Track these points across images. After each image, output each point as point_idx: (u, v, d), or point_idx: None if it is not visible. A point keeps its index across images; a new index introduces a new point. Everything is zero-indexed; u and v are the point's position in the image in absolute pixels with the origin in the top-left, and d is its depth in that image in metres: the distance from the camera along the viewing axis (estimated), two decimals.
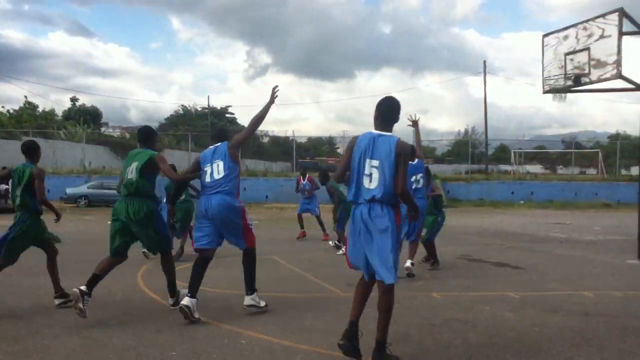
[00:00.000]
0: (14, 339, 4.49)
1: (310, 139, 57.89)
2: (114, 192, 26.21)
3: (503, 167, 48.20)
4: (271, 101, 5.42)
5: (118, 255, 5.41)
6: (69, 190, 26.15)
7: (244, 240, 5.41)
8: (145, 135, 5.69)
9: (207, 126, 53.84)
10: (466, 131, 65.95)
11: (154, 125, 66.01)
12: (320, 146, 60.92)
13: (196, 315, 5.06)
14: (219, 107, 64.28)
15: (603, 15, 9.31)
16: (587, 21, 9.64)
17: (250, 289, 5.49)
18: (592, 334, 4.82)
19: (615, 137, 54.98)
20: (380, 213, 3.86)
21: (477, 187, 32.16)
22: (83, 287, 4.97)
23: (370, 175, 3.92)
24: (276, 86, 5.42)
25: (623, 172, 38.95)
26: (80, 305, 4.88)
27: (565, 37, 10.00)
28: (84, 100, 60.84)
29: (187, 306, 5.01)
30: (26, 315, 5.31)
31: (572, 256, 10.30)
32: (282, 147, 50.40)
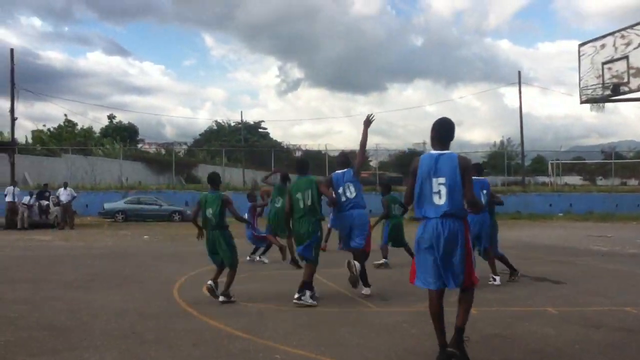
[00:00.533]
0: (53, 352, 4.59)
1: (343, 152, 57.88)
2: (150, 206, 26.84)
3: (540, 178, 47.24)
4: (367, 125, 6.86)
5: None
6: (107, 206, 26.77)
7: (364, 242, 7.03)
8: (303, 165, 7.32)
9: (240, 141, 54.48)
10: (502, 142, 64.94)
11: (189, 141, 67.35)
12: (353, 159, 60.74)
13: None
14: (252, 122, 64.97)
15: None
16: (624, 29, 9.43)
17: (365, 284, 7.15)
18: (636, 351, 4.64)
19: None
20: (452, 226, 4.19)
21: (514, 199, 31.57)
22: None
23: (438, 192, 4.25)
24: (372, 114, 6.90)
25: None
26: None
27: (603, 46, 9.81)
28: (121, 117, 62.37)
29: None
30: (66, 329, 5.42)
31: (614, 270, 9.98)
32: (315, 161, 50.53)
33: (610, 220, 27.15)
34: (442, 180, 4.23)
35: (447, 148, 4.37)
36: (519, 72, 38.44)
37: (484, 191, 7.91)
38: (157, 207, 26.90)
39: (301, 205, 6.79)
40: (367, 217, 7.19)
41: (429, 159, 4.32)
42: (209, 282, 6.80)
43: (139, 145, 55.26)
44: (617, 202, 31.12)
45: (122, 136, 52.88)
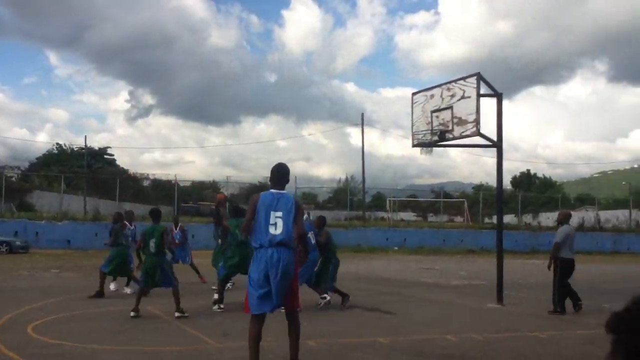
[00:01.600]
0: None
1: (193, 183, 56.55)
2: None
3: (379, 213, 50.24)
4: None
5: None
6: None
7: None
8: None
9: (83, 167, 50.68)
10: (346, 179, 68.20)
11: (24, 164, 61.05)
12: (203, 190, 59.75)
13: None
14: (97, 148, 60.84)
15: (464, 78, 10.24)
16: (450, 82, 10.50)
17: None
18: None
19: (478, 188, 59.78)
20: (285, 254, 4.85)
21: (355, 233, 33.13)
22: None
23: (275, 224, 4.89)
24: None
25: (486, 220, 42.20)
26: None
27: (432, 96, 10.80)
28: None
29: None
30: None
31: (439, 300, 10.87)
32: (164, 191, 48.71)
33: (439, 254, 29.63)
34: (279, 214, 4.90)
35: (283, 189, 5.16)
36: (362, 114, 40.89)
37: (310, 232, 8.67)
38: None
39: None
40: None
41: (270, 196, 5.02)
42: (132, 313, 7.77)
43: None
44: (444, 237, 34.07)
45: None
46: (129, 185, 42.15)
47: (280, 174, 5.20)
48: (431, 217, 49.99)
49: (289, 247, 4.90)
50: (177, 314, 7.90)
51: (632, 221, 39.02)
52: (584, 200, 55.55)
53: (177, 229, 12.82)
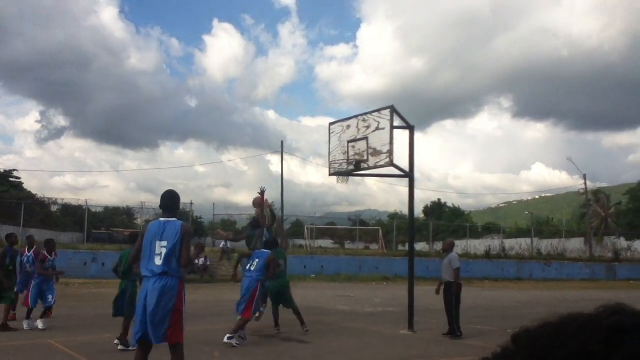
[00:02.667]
0: None
1: (107, 209, 54.17)
2: None
3: (298, 241, 50.31)
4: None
5: None
6: None
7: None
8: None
9: None
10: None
11: None
12: (117, 216, 57.32)
13: None
14: (2, 170, 56.90)
15: (378, 110, 10.59)
16: (366, 114, 10.82)
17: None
18: None
19: (393, 216, 61.51)
20: (166, 284, 4.73)
21: None
22: None
23: (160, 254, 4.78)
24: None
25: (400, 247, 43.34)
26: None
27: (349, 127, 11.07)
28: None
29: None
30: None
31: (355, 328, 10.97)
32: (74, 217, 46.23)
33: (355, 281, 29.99)
34: (164, 243, 4.83)
35: (174, 216, 5.05)
36: (282, 142, 41.07)
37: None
38: None
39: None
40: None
41: (157, 225, 4.97)
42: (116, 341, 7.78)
43: None
44: (360, 264, 34.56)
45: None
46: (36, 211, 39.63)
47: (167, 199, 5.14)
48: (348, 245, 50.74)
49: (172, 277, 4.80)
50: (120, 347, 7.75)
51: (534, 249, 41.48)
52: (490, 229, 58.46)
53: (31, 251, 10.52)
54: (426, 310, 13.53)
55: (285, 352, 8.08)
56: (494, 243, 41.30)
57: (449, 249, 10.60)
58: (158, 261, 4.78)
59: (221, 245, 30.86)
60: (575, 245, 44.01)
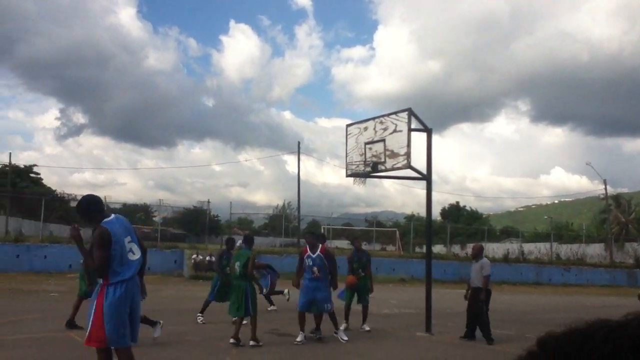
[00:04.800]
0: None
1: (125, 205, 54.84)
2: None
3: None
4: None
5: None
6: None
7: None
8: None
9: (5, 185, 48.01)
10: (284, 206, 68.10)
11: None
12: (135, 213, 58.00)
13: None
14: (22, 166, 57.86)
15: (396, 113, 10.60)
16: (383, 116, 10.83)
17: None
18: None
19: (410, 218, 61.20)
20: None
21: (289, 260, 32.87)
22: None
23: (130, 250, 4.82)
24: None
25: (417, 249, 43.15)
26: None
27: (365, 128, 11.10)
28: None
29: None
30: None
31: (371, 329, 10.97)
32: None
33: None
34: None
35: (92, 223, 4.85)
36: (299, 143, 41.31)
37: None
38: None
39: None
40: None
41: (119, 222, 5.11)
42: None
43: None
44: (377, 265, 34.37)
45: None
46: (56, 206, 40.18)
47: (78, 211, 4.98)
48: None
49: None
50: (251, 342, 8.17)
51: (553, 254, 41.01)
52: (509, 233, 57.97)
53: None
54: (443, 313, 13.49)
55: (301, 351, 8.13)
56: (512, 247, 40.92)
57: (478, 254, 10.22)
58: (132, 257, 4.89)
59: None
60: (595, 250, 43.41)
